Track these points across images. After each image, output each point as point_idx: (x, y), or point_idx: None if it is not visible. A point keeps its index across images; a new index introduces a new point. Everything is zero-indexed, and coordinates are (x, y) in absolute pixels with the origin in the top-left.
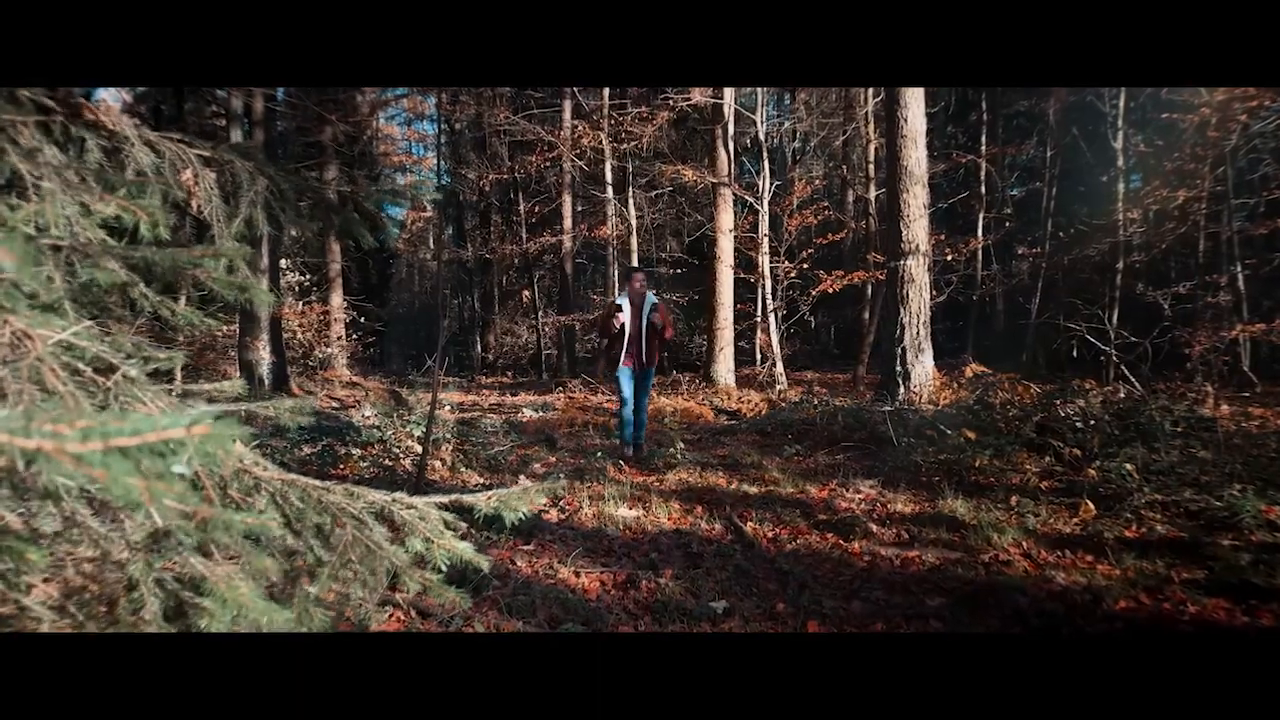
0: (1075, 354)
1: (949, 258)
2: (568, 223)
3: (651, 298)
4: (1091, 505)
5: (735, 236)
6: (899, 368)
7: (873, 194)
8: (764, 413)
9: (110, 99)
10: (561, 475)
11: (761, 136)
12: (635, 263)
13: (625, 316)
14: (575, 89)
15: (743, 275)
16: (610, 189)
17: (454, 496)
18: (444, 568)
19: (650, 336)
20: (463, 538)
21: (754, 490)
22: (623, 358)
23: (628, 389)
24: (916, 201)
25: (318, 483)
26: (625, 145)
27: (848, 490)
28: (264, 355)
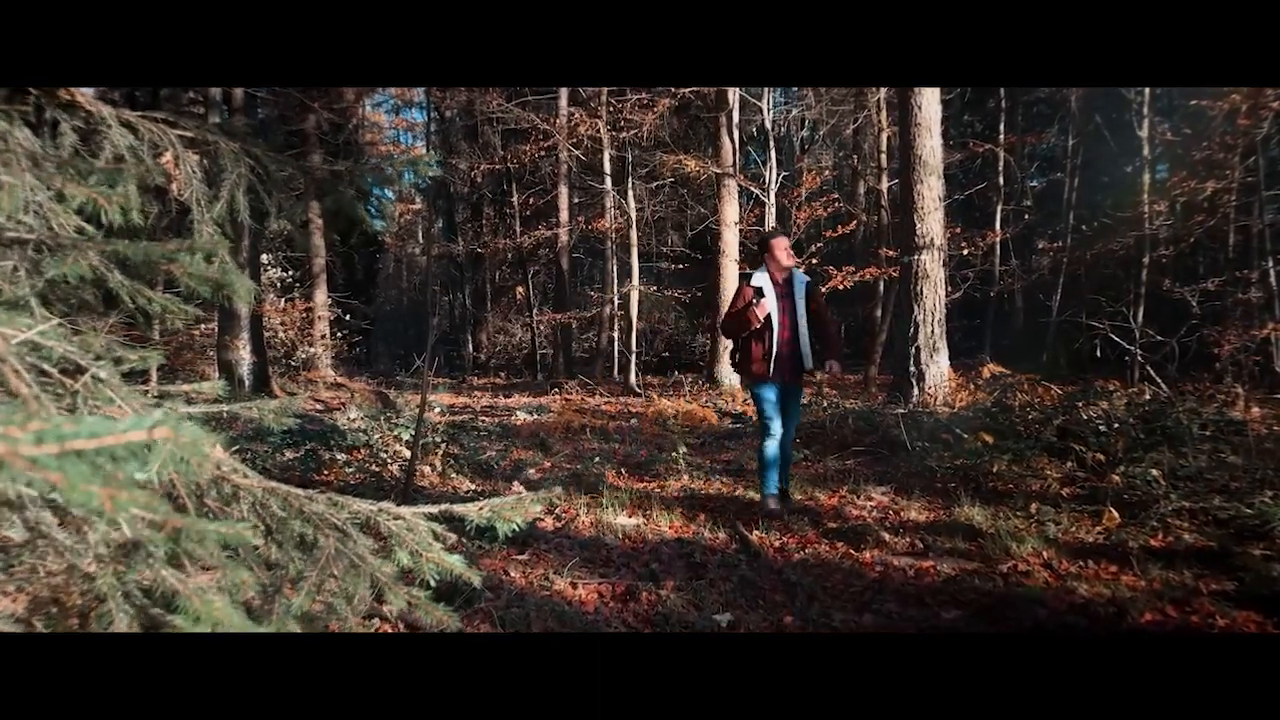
0: (1098, 354)
1: (965, 252)
2: (564, 215)
3: (802, 276)
4: (1115, 513)
5: (740, 230)
6: (913, 368)
7: (885, 185)
8: None
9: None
10: (557, 482)
11: (768, 125)
12: (635, 258)
13: (769, 304)
14: None
15: (748, 271)
16: (609, 180)
17: (444, 506)
18: (433, 582)
19: (812, 330)
20: (453, 549)
21: (760, 497)
22: (770, 366)
23: (773, 412)
24: (931, 193)
25: (300, 491)
26: (624, 134)
27: (859, 497)
28: (244, 355)
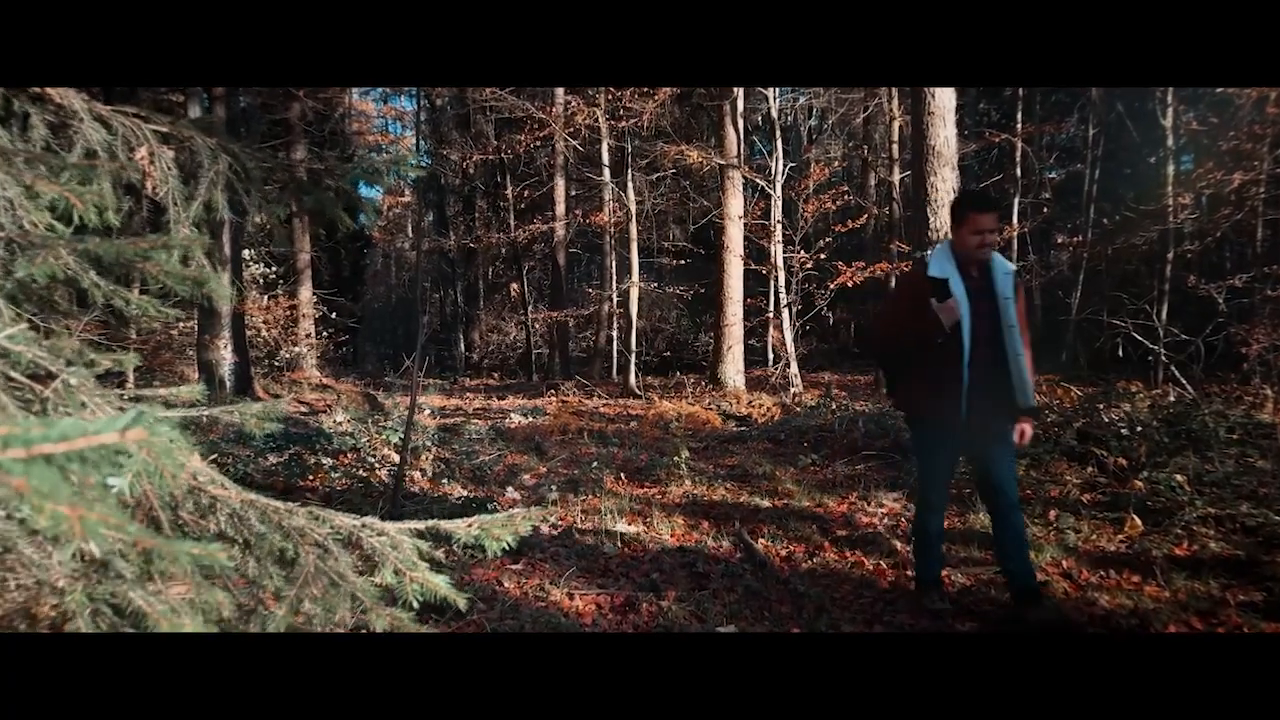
0: (1120, 353)
1: None
2: (560, 209)
3: (1005, 263)
4: (1138, 520)
5: (745, 224)
6: None
7: (897, 177)
8: (777, 418)
9: None
10: (553, 487)
11: (774, 114)
12: (634, 253)
13: (960, 305)
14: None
15: (753, 266)
16: (607, 171)
17: (431, 522)
18: (416, 604)
19: (1010, 347)
20: (443, 557)
21: (766, 504)
22: (962, 402)
23: (944, 467)
24: (945, 185)
25: (280, 504)
26: (624, 123)
27: (869, 504)
28: (225, 355)
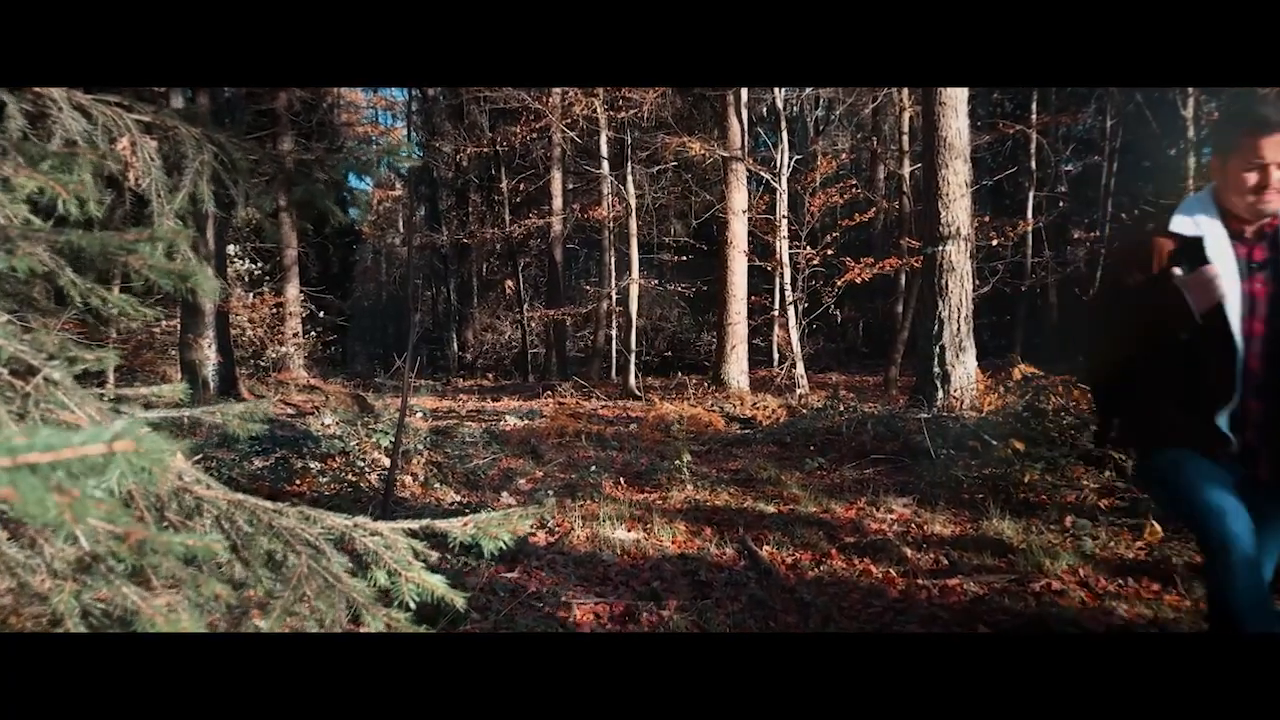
0: None
1: (994, 243)
2: (557, 203)
3: None
4: (1158, 526)
5: (749, 218)
6: (937, 369)
7: (907, 169)
8: (782, 420)
9: None
10: (550, 492)
11: (779, 104)
12: (634, 249)
13: (1223, 280)
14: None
15: (758, 263)
16: (606, 164)
17: (425, 522)
18: (413, 604)
19: None
20: (435, 568)
21: (771, 509)
22: (1228, 431)
23: (1241, 531)
24: (957, 178)
25: (269, 504)
26: (623, 114)
27: (878, 509)
28: (209, 355)
